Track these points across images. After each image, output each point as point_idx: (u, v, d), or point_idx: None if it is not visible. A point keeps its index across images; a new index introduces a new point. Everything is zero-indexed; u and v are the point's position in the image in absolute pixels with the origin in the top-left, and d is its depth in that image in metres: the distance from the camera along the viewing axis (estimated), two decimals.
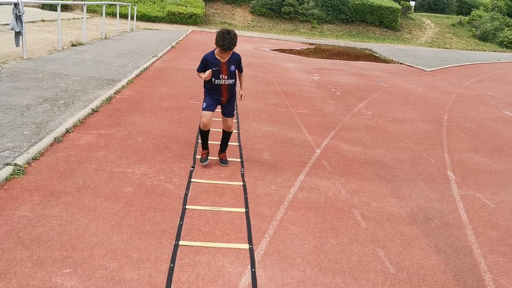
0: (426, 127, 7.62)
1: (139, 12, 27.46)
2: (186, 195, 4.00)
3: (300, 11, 33.28)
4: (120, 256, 2.99)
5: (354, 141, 6.31)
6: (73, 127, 5.53)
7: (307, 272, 3.02)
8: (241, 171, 4.69)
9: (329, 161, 5.36)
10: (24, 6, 9.27)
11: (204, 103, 4.53)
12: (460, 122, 8.23)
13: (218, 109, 4.68)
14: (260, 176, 4.63)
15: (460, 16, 40.25)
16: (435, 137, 6.98)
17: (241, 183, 4.40)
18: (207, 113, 4.49)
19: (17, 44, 9.42)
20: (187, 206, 3.78)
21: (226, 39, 4.14)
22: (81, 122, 5.80)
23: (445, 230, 3.87)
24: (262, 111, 7.53)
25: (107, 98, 7.05)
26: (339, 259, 3.24)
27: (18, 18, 9.12)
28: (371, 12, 34.11)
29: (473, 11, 39.33)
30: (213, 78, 4.40)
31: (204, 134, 4.67)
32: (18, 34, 9.30)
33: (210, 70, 4.36)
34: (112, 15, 25.63)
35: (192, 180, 4.35)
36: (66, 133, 5.30)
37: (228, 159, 4.92)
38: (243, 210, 3.83)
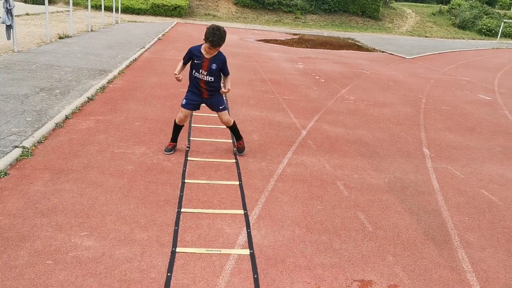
0: (405, 109, 8.07)
1: (123, 4, 27.45)
2: (184, 171, 4.36)
3: (283, 1, 33.55)
4: (130, 221, 3.35)
5: (338, 123, 6.72)
6: (72, 113, 5.83)
7: (296, 232, 3.43)
8: (234, 151, 5.06)
9: (314, 140, 5.76)
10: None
11: (184, 100, 4.66)
12: (436, 105, 8.72)
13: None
14: (251, 154, 5.01)
15: (440, 5, 40.99)
16: (413, 119, 7.44)
17: (234, 160, 4.78)
18: (185, 110, 4.64)
19: (8, 37, 9.60)
20: (185, 180, 4.15)
21: (216, 35, 4.25)
22: (79, 109, 6.10)
23: (418, 196, 4.31)
24: (250, 98, 7.90)
25: (101, 87, 7.34)
26: (324, 221, 3.65)
27: (9, 11, 9.29)
28: (353, 2, 34.57)
29: (453, 0, 40.07)
30: (193, 70, 4.51)
31: (177, 127, 4.78)
32: (9, 27, 9.47)
33: (181, 75, 4.50)
34: (95, 7, 25.62)
35: (188, 158, 4.71)
36: (66, 119, 5.61)
37: (220, 140, 5.28)
38: (237, 182, 4.21)
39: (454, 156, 5.65)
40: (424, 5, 41.72)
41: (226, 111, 4.80)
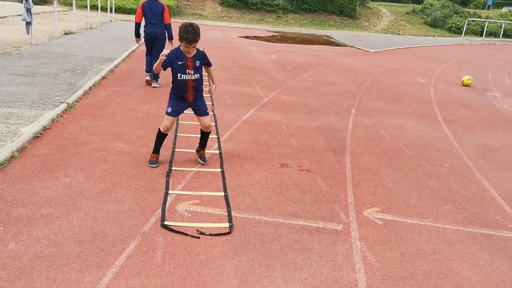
0: (350, 87, 10.27)
1: (115, 4, 29.35)
2: (177, 118, 6.45)
3: (266, 1, 35.73)
4: (146, 139, 5.46)
5: (293, 95, 8.89)
6: (93, 86, 7.91)
7: (248, 145, 5.57)
8: (212, 108, 7.18)
9: (272, 104, 7.91)
10: (6, 1, 11.39)
11: (169, 108, 4.62)
12: (378, 85, 10.93)
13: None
14: (224, 110, 7.14)
15: (414, 4, 43.55)
16: (354, 93, 9.63)
17: (212, 113, 6.90)
18: (171, 118, 4.63)
19: (28, 32, 11.60)
20: (179, 121, 6.26)
21: (190, 32, 4.20)
22: (98, 83, 8.17)
23: (334, 132, 6.48)
24: (227, 78, 10.02)
25: (110, 70, 9.41)
26: (267, 141, 5.79)
27: (28, 10, 11.28)
28: (332, 2, 36.90)
29: (426, 0, 42.66)
30: (179, 74, 4.45)
31: (161, 137, 4.70)
32: (28, 24, 11.47)
33: (164, 54, 4.39)
34: (89, 7, 27.42)
35: None
36: (90, 89, 7.68)
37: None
38: (213, 123, 6.34)
39: (372, 114, 7.84)
40: (399, 5, 44.28)
41: (209, 116, 4.85)
